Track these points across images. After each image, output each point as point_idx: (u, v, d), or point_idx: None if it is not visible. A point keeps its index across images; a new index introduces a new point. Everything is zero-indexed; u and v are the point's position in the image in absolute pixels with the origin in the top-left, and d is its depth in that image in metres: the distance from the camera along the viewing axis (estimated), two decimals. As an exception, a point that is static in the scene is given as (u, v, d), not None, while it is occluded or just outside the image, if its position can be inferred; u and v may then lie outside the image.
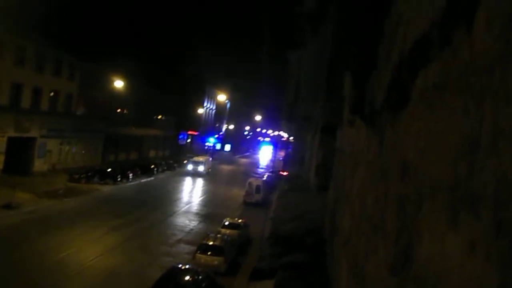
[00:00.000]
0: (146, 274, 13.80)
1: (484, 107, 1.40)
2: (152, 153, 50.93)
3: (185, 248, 18.19)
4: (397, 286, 2.24)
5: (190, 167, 43.38)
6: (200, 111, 64.23)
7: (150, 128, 48.62)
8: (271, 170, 48.45)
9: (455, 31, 1.68)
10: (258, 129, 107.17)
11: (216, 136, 70.22)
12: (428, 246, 1.79)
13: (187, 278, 12.56)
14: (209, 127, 69.51)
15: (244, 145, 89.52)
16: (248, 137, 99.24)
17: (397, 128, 2.67)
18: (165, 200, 28.66)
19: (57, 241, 16.48)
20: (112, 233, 18.71)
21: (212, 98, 70.23)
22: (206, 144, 66.07)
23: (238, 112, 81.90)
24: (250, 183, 30.41)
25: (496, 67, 1.36)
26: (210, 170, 45.48)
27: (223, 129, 76.63)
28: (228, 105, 73.90)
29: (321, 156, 11.06)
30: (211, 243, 16.24)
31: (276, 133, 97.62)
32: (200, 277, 12.66)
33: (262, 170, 53.41)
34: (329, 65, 9.80)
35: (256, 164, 64.76)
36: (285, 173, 33.94)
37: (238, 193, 32.43)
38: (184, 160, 47.02)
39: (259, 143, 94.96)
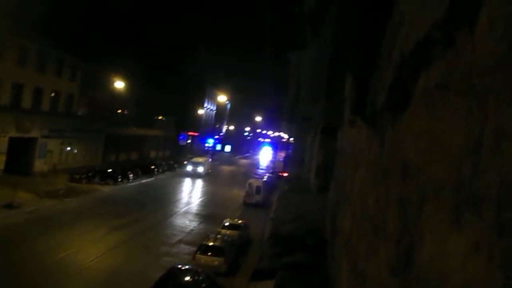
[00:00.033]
0: (146, 274, 13.81)
1: (487, 108, 1.40)
2: (152, 154, 50.95)
3: (185, 248, 18.20)
4: (398, 286, 2.23)
5: (189, 168, 43.41)
6: (201, 111, 64.27)
7: (150, 129, 48.65)
8: (271, 171, 48.47)
9: (458, 32, 1.68)
10: (259, 130, 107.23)
11: (217, 137, 70.25)
12: (430, 246, 1.79)
13: (187, 278, 12.57)
14: (210, 127, 69.53)
15: (245, 146, 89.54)
16: (248, 138, 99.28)
17: (398, 128, 2.67)
18: (165, 201, 28.69)
19: (58, 241, 16.49)
20: (112, 233, 18.72)
21: (213, 98, 70.27)
22: (206, 144, 66.08)
23: (239, 113, 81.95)
24: (250, 184, 30.43)
25: (499, 68, 1.36)
26: (209, 171, 45.48)
27: (224, 130, 76.66)
28: (229, 106, 73.93)
29: (321, 157, 11.05)
30: (211, 243, 16.25)
31: (276, 134, 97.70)
32: (200, 277, 12.67)
33: (262, 171, 53.42)
34: (329, 65, 9.79)
35: (256, 165, 64.78)
36: (285, 174, 33.93)
37: (238, 193, 32.44)
38: (185, 160, 47.06)
39: (259, 144, 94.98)
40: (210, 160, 50.09)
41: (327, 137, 9.69)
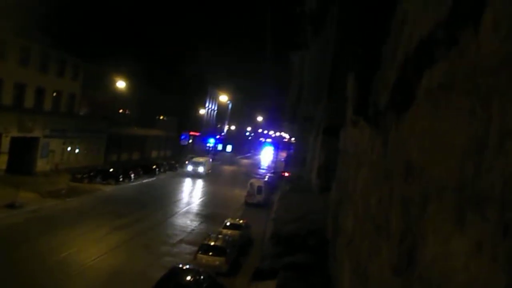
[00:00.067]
0: (147, 274, 13.83)
1: (491, 108, 1.39)
2: (154, 154, 51.02)
3: (186, 248, 18.22)
4: (400, 286, 2.23)
5: (190, 168, 43.40)
6: (202, 111, 64.29)
7: (152, 129, 48.71)
8: (272, 171, 48.44)
9: (462, 32, 1.68)
10: (260, 130, 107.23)
11: (218, 136, 70.27)
12: (433, 246, 1.78)
13: (188, 278, 12.58)
14: (211, 127, 69.56)
15: (246, 146, 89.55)
16: (249, 138, 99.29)
17: (401, 128, 2.67)
18: (166, 200, 28.72)
19: (59, 240, 16.53)
20: (114, 233, 18.76)
21: (214, 99, 70.28)
22: (208, 144, 66.12)
23: (240, 113, 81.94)
24: (251, 184, 30.44)
25: (503, 68, 1.36)
26: (210, 171, 45.47)
27: (225, 130, 76.65)
28: (230, 106, 73.90)
29: (323, 157, 11.03)
30: (212, 243, 16.26)
31: (277, 134, 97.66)
32: (202, 277, 12.68)
33: (263, 171, 53.42)
34: (331, 65, 9.79)
35: (257, 165, 64.80)
36: (286, 174, 33.91)
37: (240, 193, 32.46)
38: (186, 160, 47.12)
39: (260, 144, 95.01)
40: (211, 160, 50.08)
41: (329, 137, 9.67)
